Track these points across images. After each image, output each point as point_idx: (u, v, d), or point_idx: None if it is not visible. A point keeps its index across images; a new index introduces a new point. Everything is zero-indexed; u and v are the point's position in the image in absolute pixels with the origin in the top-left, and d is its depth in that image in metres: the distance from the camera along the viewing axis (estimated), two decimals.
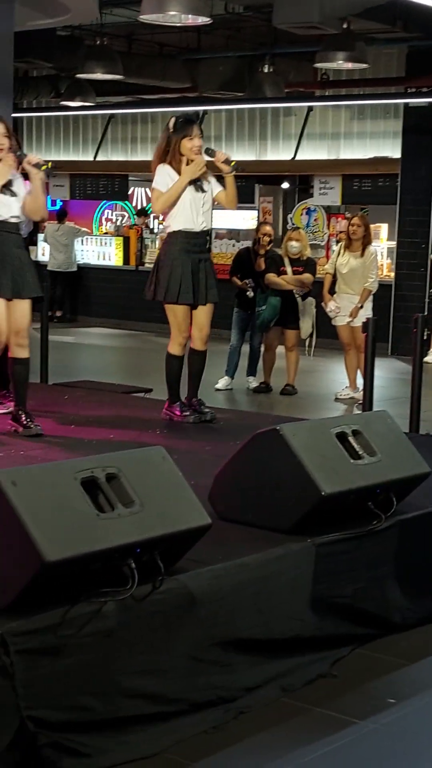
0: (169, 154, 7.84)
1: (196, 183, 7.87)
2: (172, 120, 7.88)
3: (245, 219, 18.82)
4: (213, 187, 8.00)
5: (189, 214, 7.86)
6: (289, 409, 11.50)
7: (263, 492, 5.16)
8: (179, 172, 7.82)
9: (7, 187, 7.37)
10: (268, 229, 13.02)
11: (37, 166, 7.40)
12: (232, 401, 12.18)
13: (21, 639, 3.76)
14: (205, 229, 8.00)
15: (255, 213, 19.10)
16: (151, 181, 8.01)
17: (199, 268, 7.90)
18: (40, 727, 3.80)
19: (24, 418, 7.43)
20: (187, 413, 8.07)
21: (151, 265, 8.27)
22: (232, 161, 7.90)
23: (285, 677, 4.71)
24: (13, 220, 7.41)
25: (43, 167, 7.38)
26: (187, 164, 7.83)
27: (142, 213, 21.51)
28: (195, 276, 7.88)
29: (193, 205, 7.86)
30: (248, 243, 13.88)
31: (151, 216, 21.18)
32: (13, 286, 7.35)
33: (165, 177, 7.84)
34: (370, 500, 5.28)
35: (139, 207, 21.92)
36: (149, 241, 20.62)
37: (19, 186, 7.45)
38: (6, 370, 7.79)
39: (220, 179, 8.06)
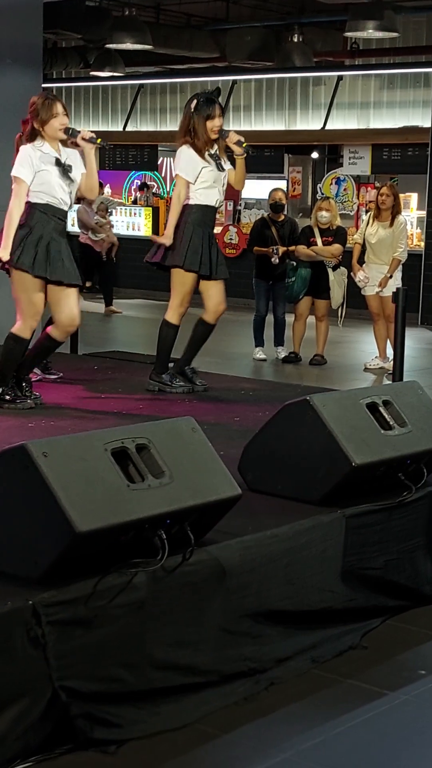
0: (192, 134, 7.80)
1: (217, 162, 7.87)
2: (195, 100, 7.83)
3: None
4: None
5: (211, 190, 7.88)
6: (319, 380, 11.48)
7: (293, 463, 5.16)
8: (201, 154, 7.79)
9: (67, 172, 7.13)
10: (279, 194, 12.99)
11: (91, 141, 7.15)
12: (261, 371, 12.16)
13: (53, 610, 3.78)
14: (220, 205, 8.14)
15: (284, 183, 19.04)
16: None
17: (210, 243, 7.95)
18: (73, 697, 3.82)
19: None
20: (179, 383, 8.05)
21: None
22: (244, 143, 7.85)
23: (316, 648, 4.72)
24: (65, 208, 7.18)
25: (98, 141, 7.14)
26: (206, 143, 7.78)
27: (143, 188, 21.37)
28: (208, 250, 7.91)
29: (216, 183, 7.89)
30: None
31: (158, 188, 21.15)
32: (48, 268, 7.06)
33: (188, 163, 7.81)
34: (400, 471, 5.27)
35: (168, 178, 21.83)
36: None
37: (78, 171, 7.20)
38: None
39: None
